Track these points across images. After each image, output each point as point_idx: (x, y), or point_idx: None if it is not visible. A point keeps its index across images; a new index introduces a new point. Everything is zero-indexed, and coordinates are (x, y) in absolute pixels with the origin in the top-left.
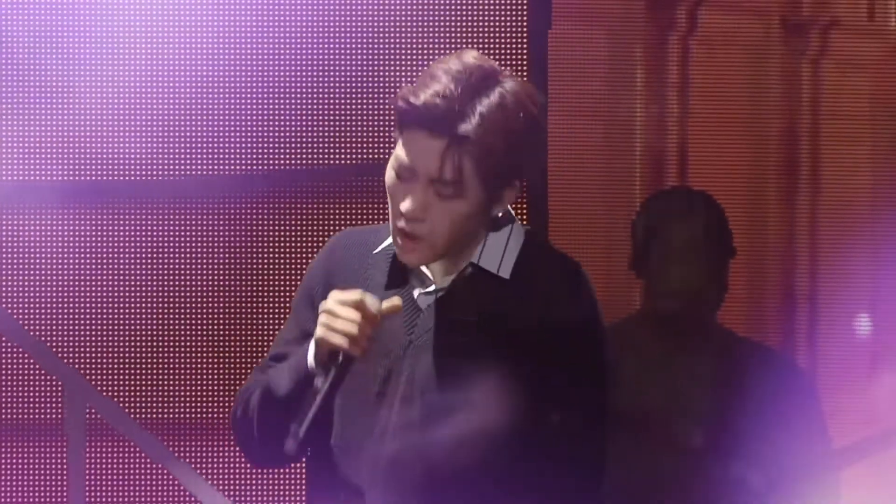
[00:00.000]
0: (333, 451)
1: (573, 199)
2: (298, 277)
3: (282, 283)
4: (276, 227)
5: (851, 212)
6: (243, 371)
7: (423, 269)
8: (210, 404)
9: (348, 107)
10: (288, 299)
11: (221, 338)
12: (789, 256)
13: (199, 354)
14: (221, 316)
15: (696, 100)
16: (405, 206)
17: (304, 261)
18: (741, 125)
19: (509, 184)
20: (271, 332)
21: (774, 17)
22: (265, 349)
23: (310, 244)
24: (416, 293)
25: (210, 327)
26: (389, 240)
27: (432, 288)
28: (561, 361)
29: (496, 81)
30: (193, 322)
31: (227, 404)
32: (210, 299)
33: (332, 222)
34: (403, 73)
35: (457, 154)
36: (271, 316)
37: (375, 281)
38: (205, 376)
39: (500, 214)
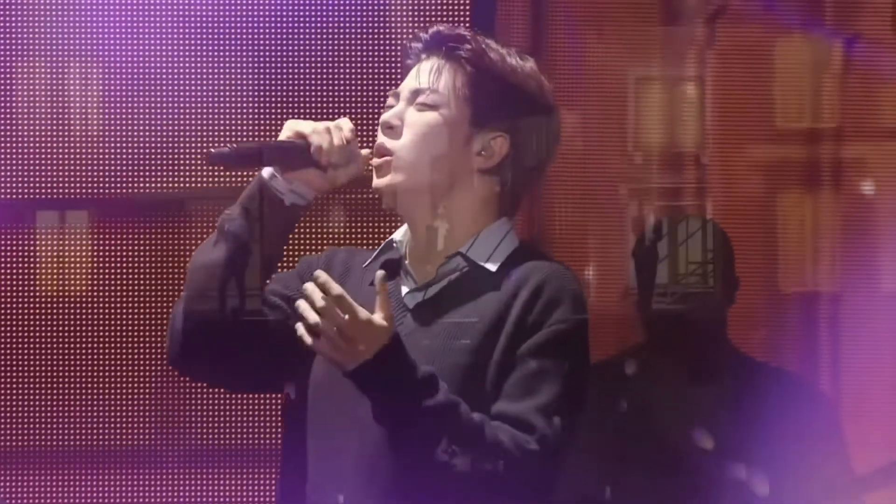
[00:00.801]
0: (312, 448)
1: (580, 207)
2: None
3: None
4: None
5: (878, 231)
6: (74, 399)
7: (411, 269)
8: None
9: (337, 109)
10: None
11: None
12: (809, 276)
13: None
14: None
15: (713, 115)
16: (382, 118)
17: None
18: (762, 141)
19: (496, 128)
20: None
21: (795, 30)
22: (96, 373)
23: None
24: (403, 291)
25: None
26: (379, 249)
27: (419, 286)
28: (540, 349)
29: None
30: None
31: (51, 432)
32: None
33: (314, 238)
34: (386, 81)
35: (441, 66)
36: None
37: (365, 284)
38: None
39: (485, 168)
